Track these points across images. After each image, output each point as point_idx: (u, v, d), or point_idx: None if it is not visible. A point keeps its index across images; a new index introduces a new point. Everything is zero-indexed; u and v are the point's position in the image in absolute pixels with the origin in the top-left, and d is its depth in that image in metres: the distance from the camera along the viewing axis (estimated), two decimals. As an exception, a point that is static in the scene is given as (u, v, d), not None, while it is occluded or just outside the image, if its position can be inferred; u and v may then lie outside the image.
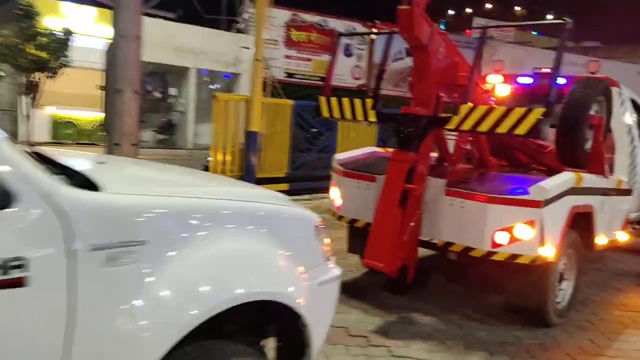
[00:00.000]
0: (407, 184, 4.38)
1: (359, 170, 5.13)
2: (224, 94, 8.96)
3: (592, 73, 5.76)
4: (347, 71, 26.38)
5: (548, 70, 6.09)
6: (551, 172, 5.51)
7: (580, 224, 4.88)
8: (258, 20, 7.60)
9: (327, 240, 2.64)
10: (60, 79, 15.73)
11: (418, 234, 4.58)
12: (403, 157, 4.44)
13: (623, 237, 5.76)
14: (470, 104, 4.21)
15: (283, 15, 25.56)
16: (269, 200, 2.40)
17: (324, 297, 2.53)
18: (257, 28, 7.63)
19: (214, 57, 21.19)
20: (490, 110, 4.10)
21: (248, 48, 21.45)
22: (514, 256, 4.14)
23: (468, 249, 4.28)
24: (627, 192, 5.65)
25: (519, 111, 3.96)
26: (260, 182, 8.16)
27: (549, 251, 4.21)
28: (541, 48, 36.99)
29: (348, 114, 4.96)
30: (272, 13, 25.26)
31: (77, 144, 17.53)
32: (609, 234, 5.43)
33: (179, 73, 21.32)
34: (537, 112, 3.88)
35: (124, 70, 5.88)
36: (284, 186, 8.50)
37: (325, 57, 26.56)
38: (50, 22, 17.59)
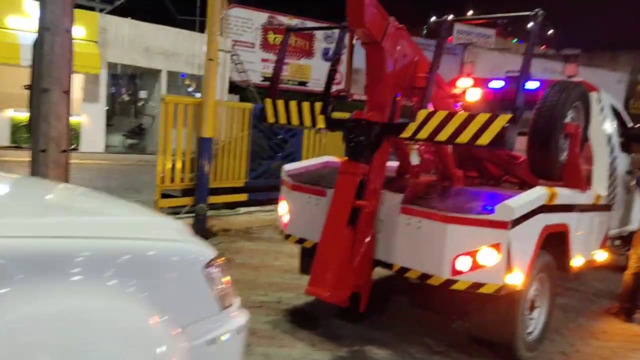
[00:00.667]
0: (357, 200, 3.82)
1: (308, 182, 4.55)
2: (173, 96, 8.30)
3: (570, 77, 5.26)
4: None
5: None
6: (524, 185, 5.01)
7: (554, 244, 4.35)
8: (209, 16, 7.00)
9: (225, 280, 2.05)
10: (20, 79, 14.92)
11: (371, 257, 4.02)
12: (353, 168, 3.88)
13: (602, 256, 5.26)
14: (427, 110, 3.66)
15: (259, 17, 25.05)
16: (137, 234, 1.80)
17: (218, 358, 1.94)
18: (209, 24, 7.02)
19: (186, 59, 20.48)
20: (450, 116, 3.55)
21: (228, 52, 20.94)
22: (477, 285, 3.60)
23: (425, 276, 3.72)
24: (607, 208, 5.15)
25: (481, 118, 3.42)
26: (216, 192, 7.55)
27: (516, 278, 3.67)
28: (522, 55, 36.93)
29: (295, 119, 4.39)
30: (249, 15, 24.83)
31: (39, 148, 16.70)
32: (586, 254, 4.92)
33: (150, 75, 20.63)
34: (502, 119, 3.34)
35: (50, 67, 5.21)
36: (242, 196, 7.90)
37: (304, 61, 26.13)
38: (14, 21, 16.88)
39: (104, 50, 17.96)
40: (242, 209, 7.92)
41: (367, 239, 3.94)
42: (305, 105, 4.35)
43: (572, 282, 6.17)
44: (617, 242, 5.92)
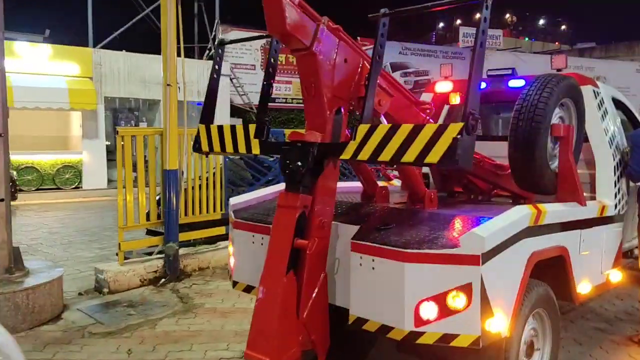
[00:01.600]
0: (297, 239, 3.14)
1: (252, 218, 3.89)
2: (129, 128, 7.74)
3: (559, 70, 4.53)
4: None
5: (507, 72, 4.94)
6: (519, 198, 4.28)
7: (551, 271, 3.62)
8: (163, 36, 6.44)
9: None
10: (19, 121, 14.68)
11: (325, 305, 3.32)
12: (290, 201, 3.20)
13: (616, 276, 4.46)
14: (367, 125, 2.97)
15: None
16: None
17: None
18: (163, 44, 6.46)
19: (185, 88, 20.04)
20: (393, 130, 2.86)
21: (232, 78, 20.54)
22: (449, 337, 2.86)
23: (385, 329, 3.01)
24: (617, 218, 4.36)
25: (429, 129, 2.72)
26: (189, 227, 6.92)
27: (499, 324, 2.93)
28: (533, 53, 35.99)
29: (229, 146, 3.74)
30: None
31: (39, 189, 16.46)
32: (596, 277, 4.14)
33: (150, 106, 20.31)
34: (452, 129, 2.63)
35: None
36: (219, 230, 7.25)
37: (307, 79, 25.61)
38: (6, 63, 16.64)
39: (99, 86, 17.69)
40: (222, 243, 7.27)
41: (317, 285, 3.25)
42: (239, 129, 3.71)
43: (576, 309, 5.34)
44: (632, 258, 5.10)
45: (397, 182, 5.55)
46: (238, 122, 21.65)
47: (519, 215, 3.14)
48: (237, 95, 22.73)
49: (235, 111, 22.07)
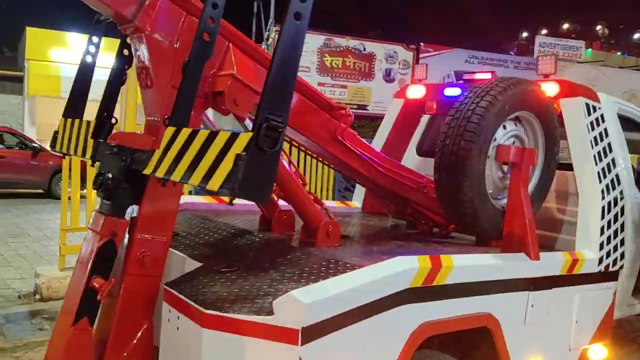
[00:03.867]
0: (96, 277, 2.36)
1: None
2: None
3: (546, 76, 3.48)
4: (388, 98, 24.27)
5: (484, 76, 3.92)
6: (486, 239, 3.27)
7: (474, 347, 2.63)
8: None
9: None
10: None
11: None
12: (94, 225, 2.43)
13: (598, 353, 3.33)
14: (172, 129, 2.13)
15: (315, 40, 23.98)
16: None
17: None
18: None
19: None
20: (191, 138, 2.01)
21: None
22: None
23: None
24: (599, 278, 3.24)
25: (220, 140, 1.85)
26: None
27: None
28: (619, 67, 33.18)
29: (72, 146, 3.00)
30: (305, 38, 23.93)
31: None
32: (557, 356, 3.07)
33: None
34: (239, 142, 1.75)
35: None
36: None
37: (363, 83, 24.70)
38: (57, 53, 17.06)
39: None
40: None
41: (133, 338, 2.45)
42: (82, 124, 2.94)
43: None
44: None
45: (356, 203, 4.65)
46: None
47: (393, 270, 2.19)
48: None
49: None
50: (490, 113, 2.68)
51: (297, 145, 3.35)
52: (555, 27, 51.51)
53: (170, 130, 2.13)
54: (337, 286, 2.01)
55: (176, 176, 1.99)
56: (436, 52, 25.05)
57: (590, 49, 34.71)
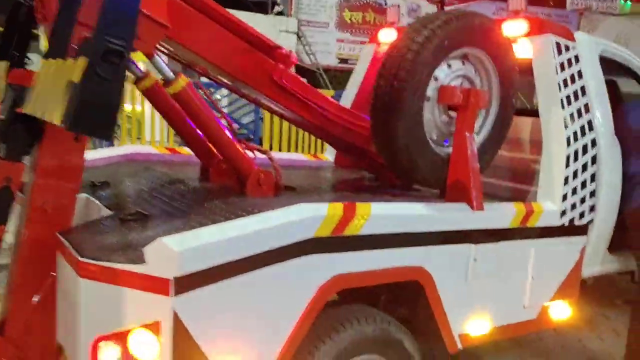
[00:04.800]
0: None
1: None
2: None
3: (516, 13, 3.15)
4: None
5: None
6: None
7: (406, 302, 2.46)
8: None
9: None
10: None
11: (49, 319, 2.40)
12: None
13: (561, 311, 3.11)
14: (45, 61, 1.94)
15: (335, -6, 23.34)
16: None
17: None
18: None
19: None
20: (49, 68, 1.81)
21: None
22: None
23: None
24: (562, 231, 2.99)
25: (62, 68, 1.65)
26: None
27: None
28: (658, 20, 31.44)
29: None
30: (323, -7, 23.20)
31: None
32: (508, 313, 2.86)
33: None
34: (75, 70, 1.55)
35: None
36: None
37: (384, 40, 24.00)
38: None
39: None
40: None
41: (32, 292, 2.33)
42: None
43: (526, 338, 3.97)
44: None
45: (328, 157, 4.44)
46: (304, 83, 20.82)
47: (292, 218, 2.00)
48: (305, 54, 21.78)
49: (300, 72, 21.18)
50: (427, 49, 2.41)
51: (239, 94, 3.16)
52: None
53: (43, 64, 1.96)
54: (219, 233, 1.84)
55: (35, 110, 1.82)
56: (462, 4, 24.05)
57: (629, 2, 32.87)
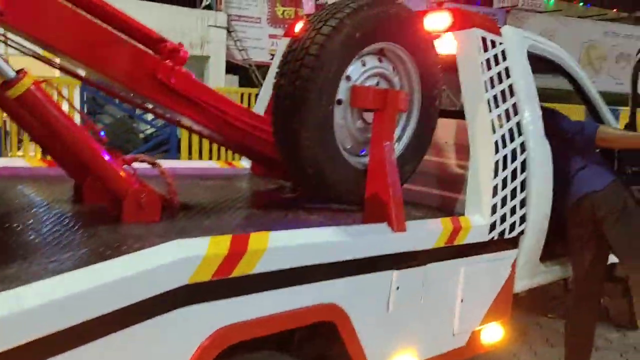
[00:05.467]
0: None
1: None
2: None
3: (440, 4, 2.85)
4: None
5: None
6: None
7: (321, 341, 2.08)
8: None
9: None
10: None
11: None
12: None
13: (492, 334, 2.83)
14: None
15: (265, -12, 22.79)
16: None
17: None
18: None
19: (175, 38, 18.49)
20: None
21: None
22: None
23: None
24: (492, 247, 2.70)
25: None
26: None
27: None
28: (577, 17, 32.78)
29: None
30: (254, -13, 22.56)
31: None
32: (435, 343, 2.54)
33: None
34: None
35: None
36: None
37: (317, 35, 23.64)
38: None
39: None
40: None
41: None
42: None
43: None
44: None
45: (244, 164, 3.99)
46: (234, 80, 20.13)
47: (160, 260, 1.56)
48: (236, 50, 21.11)
49: (231, 68, 20.51)
50: (335, 42, 2.03)
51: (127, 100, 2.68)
52: (519, -23, 50.71)
53: None
54: (47, 293, 1.37)
55: None
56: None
57: (552, -1, 34.13)
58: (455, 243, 2.46)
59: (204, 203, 2.69)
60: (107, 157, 2.18)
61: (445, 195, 3.18)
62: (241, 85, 19.59)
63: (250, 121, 2.67)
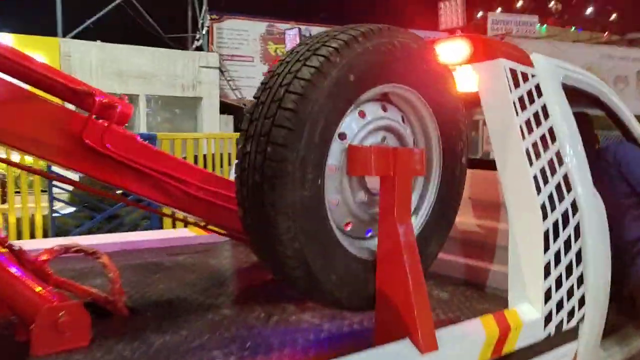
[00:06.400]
0: None
1: None
2: None
3: (451, 32, 2.31)
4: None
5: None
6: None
7: None
8: None
9: None
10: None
11: None
12: None
13: None
14: None
15: (257, 27, 22.57)
16: None
17: None
18: None
19: (167, 81, 18.26)
20: None
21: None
22: None
23: None
24: (551, 343, 2.02)
25: None
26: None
27: None
28: (572, 42, 32.66)
29: None
30: (244, 26, 22.36)
31: None
32: None
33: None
34: None
35: None
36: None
37: (311, 71, 23.32)
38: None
39: (67, 79, 16.05)
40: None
41: None
42: None
43: None
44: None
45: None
46: (229, 120, 19.65)
47: None
48: (229, 90, 20.74)
49: (226, 108, 20.09)
50: (320, 90, 1.41)
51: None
52: (509, 5, 51.11)
53: None
54: None
55: None
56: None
57: (545, 25, 34.09)
58: (504, 352, 1.79)
59: (162, 299, 2.04)
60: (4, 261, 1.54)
61: (472, 265, 2.52)
62: (236, 124, 19.13)
63: (218, 191, 2.04)
